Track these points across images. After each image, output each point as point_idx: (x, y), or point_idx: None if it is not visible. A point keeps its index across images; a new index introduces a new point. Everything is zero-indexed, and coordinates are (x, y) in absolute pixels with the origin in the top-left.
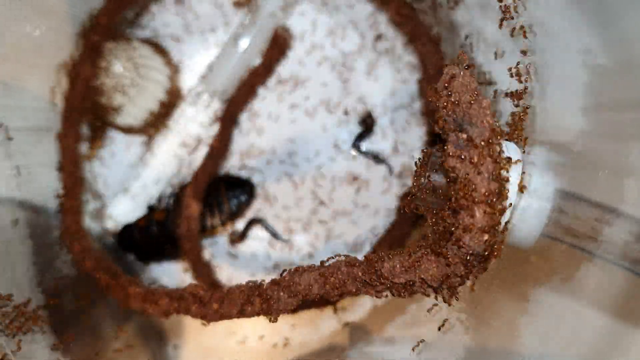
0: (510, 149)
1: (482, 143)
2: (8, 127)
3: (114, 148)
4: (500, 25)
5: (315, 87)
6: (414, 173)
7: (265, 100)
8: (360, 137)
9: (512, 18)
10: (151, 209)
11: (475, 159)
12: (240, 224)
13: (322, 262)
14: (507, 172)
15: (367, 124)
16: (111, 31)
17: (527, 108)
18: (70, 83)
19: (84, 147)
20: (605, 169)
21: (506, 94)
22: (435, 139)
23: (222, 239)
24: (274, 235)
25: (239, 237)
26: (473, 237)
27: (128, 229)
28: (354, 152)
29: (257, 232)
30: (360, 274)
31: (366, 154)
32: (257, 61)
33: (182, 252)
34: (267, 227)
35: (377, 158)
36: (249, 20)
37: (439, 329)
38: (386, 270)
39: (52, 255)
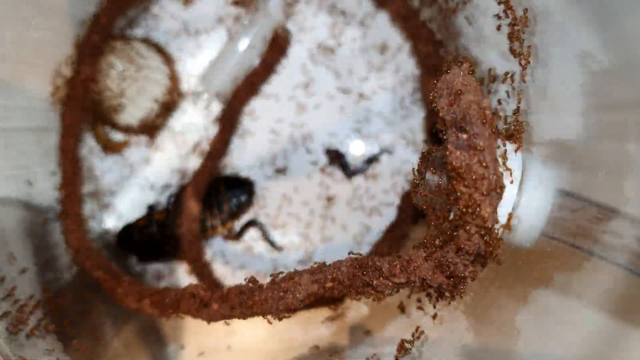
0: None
1: (482, 143)
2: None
3: None
4: (499, 28)
5: (314, 86)
6: (414, 173)
7: (266, 100)
8: (343, 167)
9: (514, 20)
10: (151, 209)
11: (475, 159)
12: (239, 224)
13: (322, 263)
14: (507, 171)
15: (332, 157)
16: (111, 31)
17: (519, 109)
18: (70, 83)
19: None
20: (605, 169)
21: (506, 94)
22: (435, 139)
23: (222, 239)
24: (270, 242)
25: (234, 236)
26: (473, 237)
27: (128, 229)
28: (351, 179)
29: (256, 233)
30: (360, 274)
31: (358, 171)
32: (257, 61)
33: (182, 252)
34: (264, 232)
35: (369, 162)
36: (249, 20)
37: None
38: (386, 270)
39: (52, 255)
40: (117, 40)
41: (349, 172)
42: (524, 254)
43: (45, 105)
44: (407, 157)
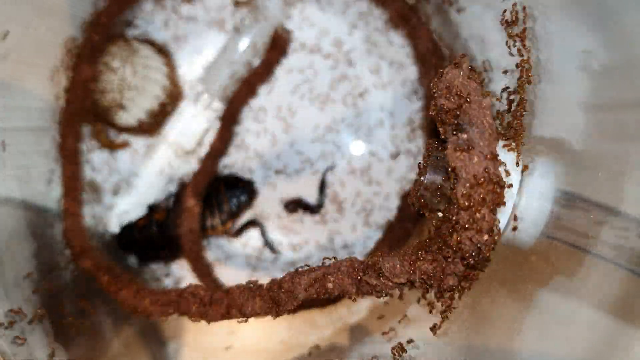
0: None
1: (482, 143)
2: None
3: None
4: (504, 24)
5: (314, 87)
6: (415, 173)
7: (266, 100)
8: (307, 208)
9: (514, 22)
10: (151, 209)
11: (476, 159)
12: (239, 223)
13: (322, 263)
14: (507, 172)
15: (292, 208)
16: (111, 31)
17: (523, 109)
18: (70, 83)
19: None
20: (605, 169)
21: (507, 93)
22: (436, 139)
23: (222, 238)
24: (268, 244)
25: (234, 233)
26: (473, 237)
27: (128, 229)
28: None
29: (256, 233)
30: (360, 274)
31: (321, 204)
32: (257, 61)
33: (183, 252)
34: (264, 234)
35: (322, 189)
36: (249, 20)
37: (434, 329)
38: (386, 270)
39: (52, 255)
40: (117, 40)
41: (315, 208)
42: (524, 254)
43: (45, 105)
44: (407, 158)
